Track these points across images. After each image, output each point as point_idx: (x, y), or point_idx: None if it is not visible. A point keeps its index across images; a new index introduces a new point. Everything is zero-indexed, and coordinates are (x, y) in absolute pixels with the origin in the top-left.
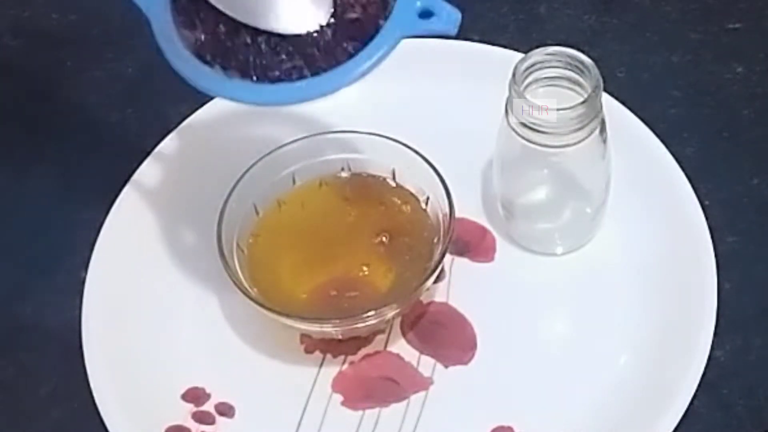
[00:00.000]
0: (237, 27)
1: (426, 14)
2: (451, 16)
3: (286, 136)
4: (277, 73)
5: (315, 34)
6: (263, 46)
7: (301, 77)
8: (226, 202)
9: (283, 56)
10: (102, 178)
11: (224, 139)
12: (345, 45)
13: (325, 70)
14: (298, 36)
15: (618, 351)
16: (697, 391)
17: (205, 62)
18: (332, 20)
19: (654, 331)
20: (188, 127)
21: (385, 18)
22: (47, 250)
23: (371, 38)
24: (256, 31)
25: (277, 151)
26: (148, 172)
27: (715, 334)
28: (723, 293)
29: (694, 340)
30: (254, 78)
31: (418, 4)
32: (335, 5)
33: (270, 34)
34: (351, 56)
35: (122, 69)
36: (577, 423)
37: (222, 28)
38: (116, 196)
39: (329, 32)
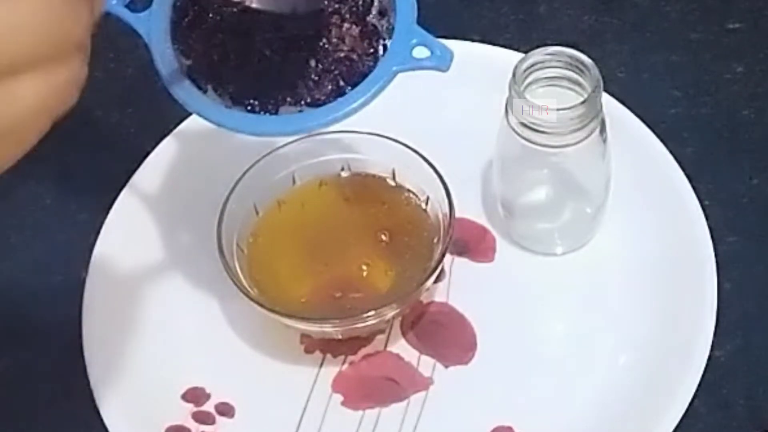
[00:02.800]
0: (233, 56)
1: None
2: (445, 55)
3: (286, 136)
4: (271, 104)
5: (309, 70)
6: (258, 78)
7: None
8: (226, 202)
9: (277, 90)
10: (102, 178)
11: (224, 140)
12: (337, 81)
13: (318, 105)
14: (292, 70)
15: (618, 351)
16: (697, 391)
17: (200, 88)
18: (326, 57)
19: (654, 332)
20: (188, 128)
21: (379, 55)
22: (47, 250)
23: (366, 74)
24: (251, 62)
25: (277, 151)
26: (147, 172)
27: (715, 334)
28: (723, 293)
29: (694, 340)
30: (248, 108)
31: (414, 41)
32: (329, 43)
33: (265, 66)
34: (344, 91)
35: (122, 69)
36: (577, 423)
37: (217, 56)
38: (116, 195)
39: (321, 68)
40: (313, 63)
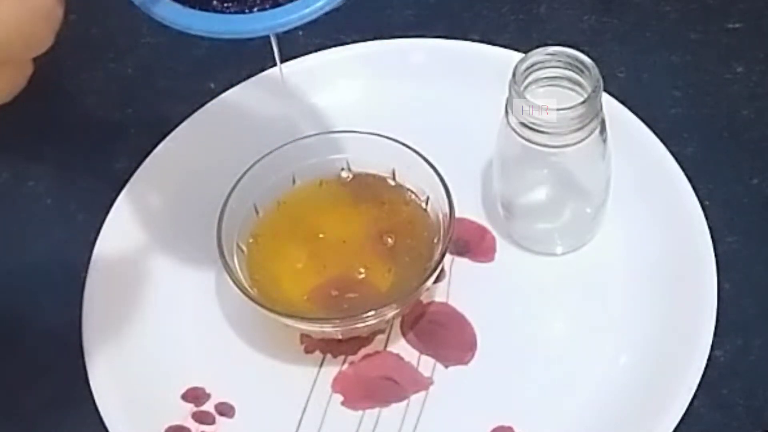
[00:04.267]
0: None
1: None
2: None
3: (286, 136)
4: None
5: None
6: None
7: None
8: (226, 202)
9: None
10: (102, 178)
11: (224, 139)
12: None
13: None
14: None
15: (618, 351)
16: (697, 391)
17: None
18: None
19: (654, 332)
20: (188, 127)
21: None
22: (47, 250)
23: None
24: None
25: (277, 151)
26: (147, 172)
27: (715, 334)
28: (723, 293)
29: (694, 340)
30: (195, 6)
31: None
32: None
33: None
34: None
35: (122, 69)
36: (577, 423)
37: None
38: (116, 196)
39: None
40: None
